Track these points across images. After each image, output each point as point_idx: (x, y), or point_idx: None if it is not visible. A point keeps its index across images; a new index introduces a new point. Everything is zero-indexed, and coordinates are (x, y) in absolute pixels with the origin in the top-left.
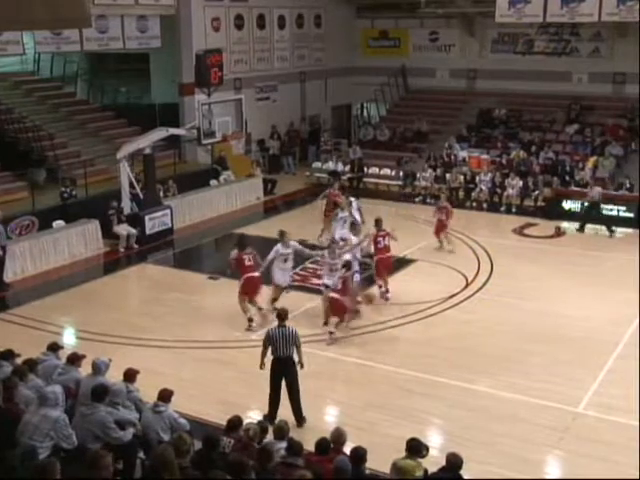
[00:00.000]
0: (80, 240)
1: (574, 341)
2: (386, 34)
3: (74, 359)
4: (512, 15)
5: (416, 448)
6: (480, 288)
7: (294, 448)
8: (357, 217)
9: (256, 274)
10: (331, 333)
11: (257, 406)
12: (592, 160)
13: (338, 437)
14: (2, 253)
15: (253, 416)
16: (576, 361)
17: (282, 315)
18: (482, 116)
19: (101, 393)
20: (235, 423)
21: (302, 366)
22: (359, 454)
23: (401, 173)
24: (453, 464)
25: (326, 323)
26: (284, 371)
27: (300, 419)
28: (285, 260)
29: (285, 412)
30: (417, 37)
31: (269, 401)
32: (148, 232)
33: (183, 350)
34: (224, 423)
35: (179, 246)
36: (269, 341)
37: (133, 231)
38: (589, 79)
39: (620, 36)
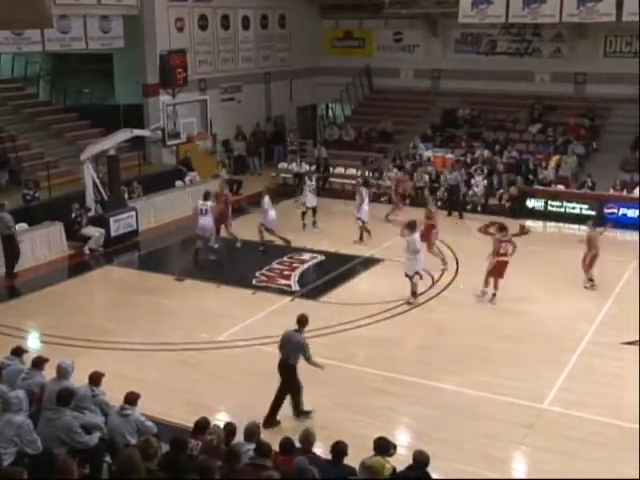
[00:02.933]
0: (44, 243)
1: (539, 338)
2: (351, 34)
3: (38, 363)
4: (475, 16)
5: (384, 447)
6: (446, 287)
7: (263, 449)
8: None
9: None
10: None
11: (224, 407)
12: (555, 159)
13: (306, 437)
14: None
15: (220, 417)
16: (541, 358)
17: (302, 321)
18: (446, 116)
19: (66, 397)
20: (202, 425)
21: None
22: (340, 449)
23: (367, 173)
24: (420, 462)
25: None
26: (285, 373)
27: (273, 421)
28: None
29: (256, 413)
30: (381, 37)
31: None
32: (113, 234)
33: (149, 352)
34: (191, 425)
35: (145, 248)
36: (280, 342)
37: (103, 232)
38: (551, 79)
39: (580, 37)
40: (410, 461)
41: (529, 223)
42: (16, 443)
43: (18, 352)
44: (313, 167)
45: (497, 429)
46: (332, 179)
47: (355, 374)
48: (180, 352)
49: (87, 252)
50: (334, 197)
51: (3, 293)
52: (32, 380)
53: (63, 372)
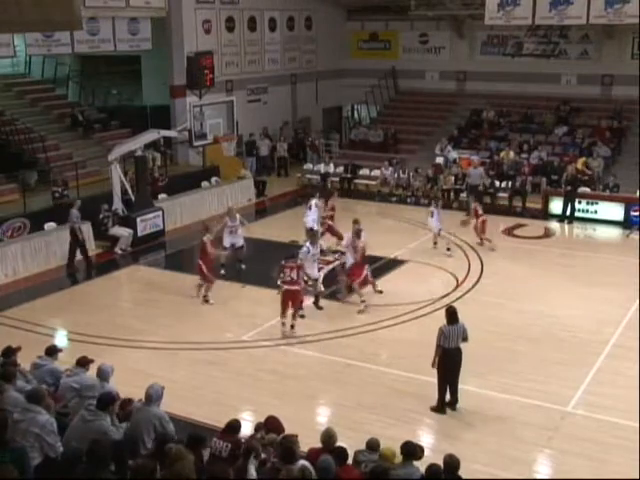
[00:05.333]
0: None
1: (563, 341)
2: (376, 36)
3: (84, 363)
4: (501, 17)
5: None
6: (470, 289)
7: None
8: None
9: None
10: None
11: (248, 407)
12: (581, 161)
13: (328, 438)
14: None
15: (245, 417)
16: (565, 360)
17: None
18: (472, 117)
19: (106, 403)
20: (234, 426)
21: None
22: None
23: (396, 175)
24: (450, 465)
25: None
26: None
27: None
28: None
29: (280, 413)
30: (407, 39)
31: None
32: (140, 234)
33: (174, 351)
34: (214, 424)
35: (171, 248)
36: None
37: (131, 232)
38: (578, 81)
39: (608, 38)
40: (432, 461)
41: (553, 225)
42: (40, 443)
43: (52, 352)
44: (340, 168)
45: (520, 431)
46: (357, 180)
47: (379, 375)
48: (205, 351)
49: (119, 252)
50: (360, 198)
51: (31, 292)
52: (79, 377)
53: (103, 374)
